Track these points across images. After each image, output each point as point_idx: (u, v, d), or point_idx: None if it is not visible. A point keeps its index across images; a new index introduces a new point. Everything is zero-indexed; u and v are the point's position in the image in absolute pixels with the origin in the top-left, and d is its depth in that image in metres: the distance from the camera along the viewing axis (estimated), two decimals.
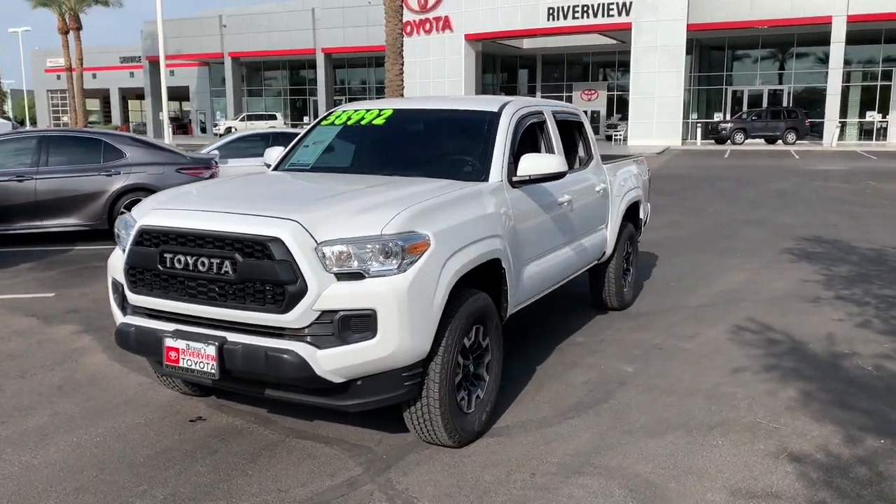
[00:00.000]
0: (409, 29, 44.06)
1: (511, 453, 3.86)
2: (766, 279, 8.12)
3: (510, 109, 4.82)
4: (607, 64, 50.76)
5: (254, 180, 4.70)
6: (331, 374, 3.36)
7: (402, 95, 19.23)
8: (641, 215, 7.11)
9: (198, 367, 3.47)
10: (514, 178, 4.47)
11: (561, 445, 3.96)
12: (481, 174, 4.40)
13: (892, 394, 4.70)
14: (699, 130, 39.94)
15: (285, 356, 3.31)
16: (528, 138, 5.35)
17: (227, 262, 3.38)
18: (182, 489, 3.46)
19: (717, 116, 43.83)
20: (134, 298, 3.73)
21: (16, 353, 5.45)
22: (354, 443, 3.98)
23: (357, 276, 3.35)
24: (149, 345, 3.63)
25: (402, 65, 19.40)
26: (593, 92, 51.98)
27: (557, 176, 4.54)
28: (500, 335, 4.21)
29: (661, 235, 11.20)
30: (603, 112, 51.56)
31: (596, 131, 50.37)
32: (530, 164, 4.47)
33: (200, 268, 3.45)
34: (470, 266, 3.78)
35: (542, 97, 53.14)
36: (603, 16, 39.18)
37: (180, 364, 3.51)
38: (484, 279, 4.18)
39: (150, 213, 3.71)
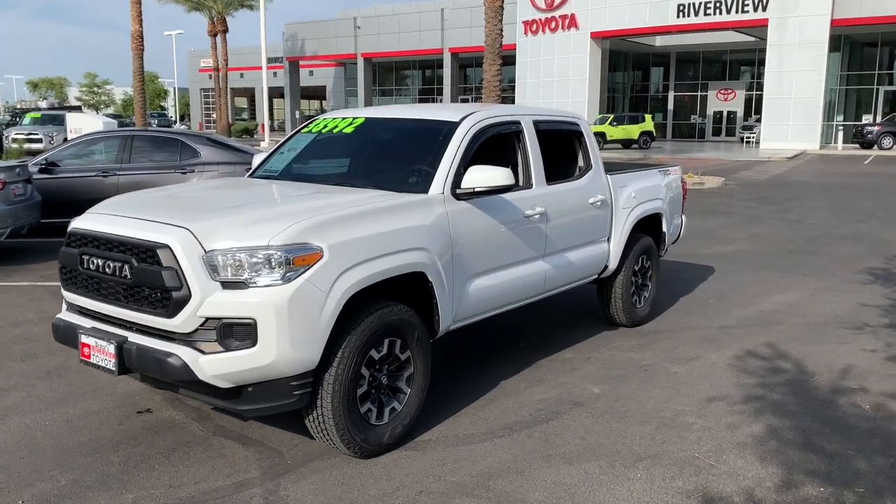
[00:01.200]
0: (534, 27, 43.83)
1: (413, 468, 3.84)
2: (819, 301, 7.52)
3: (470, 120, 4.76)
4: (746, 62, 48.25)
5: (201, 187, 4.93)
6: (215, 379, 3.48)
7: (499, 96, 19.22)
8: (665, 228, 6.77)
9: (102, 363, 3.70)
10: (459, 191, 4.42)
11: (469, 464, 3.88)
12: (424, 186, 4.38)
13: (871, 438, 4.25)
14: (840, 134, 37.14)
15: (169, 359, 3.46)
16: (503, 149, 5.26)
17: (126, 266, 3.59)
18: (86, 477, 3.70)
19: (867, 119, 40.58)
20: (66, 295, 4.03)
21: (31, 338, 5.97)
22: (271, 446, 4.09)
23: (241, 285, 3.44)
24: (71, 339, 3.91)
25: (500, 65, 19.34)
26: (730, 92, 49.58)
27: (503, 189, 4.45)
28: (427, 348, 4.18)
29: (734, 248, 10.60)
30: (740, 113, 49.08)
31: (731, 133, 48.38)
32: (474, 177, 4.40)
33: (107, 270, 3.67)
34: (375, 279, 3.78)
35: (674, 96, 51.32)
36: (737, 12, 37.27)
37: (91, 359, 3.76)
38: (412, 292, 4.17)
39: (83, 217, 3.98)
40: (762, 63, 38.95)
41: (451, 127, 4.70)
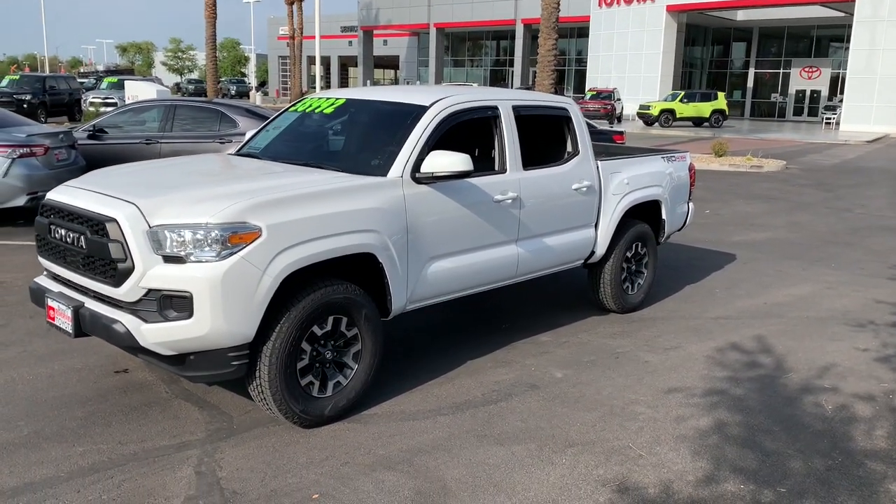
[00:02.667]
0: (608, 0, 42.82)
1: (349, 440, 4.02)
2: (832, 295, 7.32)
3: (440, 105, 4.84)
4: (836, 38, 45.96)
5: (176, 163, 5.16)
6: (156, 347, 3.73)
7: (553, 71, 18.98)
8: (664, 216, 6.70)
9: (62, 326, 4.00)
10: (419, 175, 4.52)
11: (403, 440, 4.04)
12: (384, 169, 4.50)
13: (818, 439, 4.20)
14: None
15: (115, 325, 3.73)
16: (479, 134, 5.31)
17: (82, 237, 3.86)
18: (47, 428, 4.03)
19: None
20: (41, 261, 4.35)
21: None
22: (224, 410, 4.34)
23: (180, 260, 3.66)
24: (41, 302, 4.23)
25: (556, 39, 19.07)
26: (815, 70, 47.43)
27: (461, 175, 4.52)
28: (377, 327, 4.33)
29: (766, 236, 10.34)
30: (824, 92, 46.94)
31: (814, 114, 46.28)
32: (434, 162, 4.50)
33: (68, 240, 3.96)
34: (317, 258, 3.94)
35: (755, 73, 49.41)
36: None
37: (55, 321, 4.07)
38: (365, 272, 4.33)
39: (57, 189, 4.28)
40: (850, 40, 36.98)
41: (420, 111, 4.79)
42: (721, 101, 36.82)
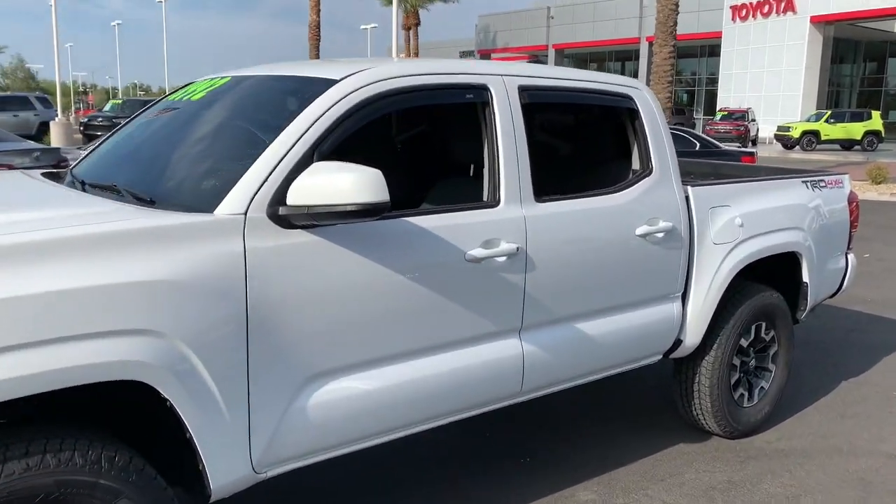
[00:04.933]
0: (743, 13, 39.14)
1: None
2: None
3: (361, 79, 2.55)
4: None
5: None
6: None
7: (669, 83, 16.20)
8: (806, 276, 4.07)
9: None
10: (284, 210, 2.25)
11: None
12: (212, 200, 2.26)
13: None
14: None
15: None
16: (450, 137, 2.99)
17: None
18: None
19: None
20: None
21: None
22: None
23: None
24: None
25: (674, 47, 16.33)
26: None
27: (366, 212, 2.20)
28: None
29: None
30: None
31: None
32: (305, 186, 2.22)
33: None
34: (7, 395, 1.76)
35: None
36: None
37: None
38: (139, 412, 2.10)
39: None
40: None
41: (320, 88, 2.53)
42: (876, 121, 32.19)
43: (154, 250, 2.04)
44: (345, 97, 2.48)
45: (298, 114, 2.42)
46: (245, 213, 2.22)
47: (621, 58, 53.42)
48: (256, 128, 2.57)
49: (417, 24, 51.64)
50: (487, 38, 56.96)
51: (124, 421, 2.26)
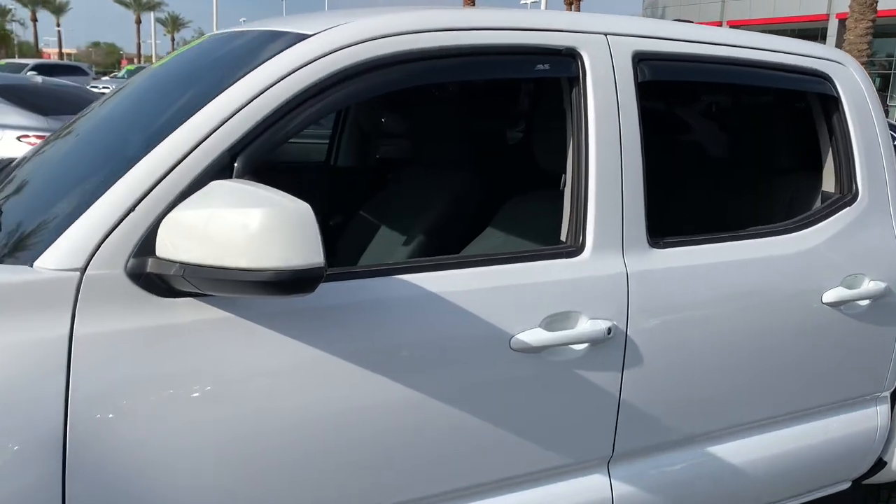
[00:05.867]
0: None
1: None
2: None
3: (334, 37, 1.48)
4: None
5: None
6: None
7: (864, 65, 13.82)
8: None
9: None
10: (154, 268, 1.24)
11: None
12: (43, 241, 1.29)
13: None
14: None
15: None
16: (539, 134, 1.89)
17: None
18: None
19: None
20: None
21: None
22: None
23: None
24: None
25: (872, 21, 13.92)
26: None
27: (267, 285, 1.15)
28: None
29: None
30: None
31: None
32: (182, 227, 1.20)
33: None
34: None
35: None
36: None
37: None
38: None
39: None
40: None
41: (266, 55, 1.49)
42: None
43: None
44: (305, 65, 1.43)
45: (218, 94, 1.40)
46: (82, 269, 1.23)
47: (805, 37, 48.71)
48: (166, 118, 1.56)
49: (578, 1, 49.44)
50: (656, 14, 53.82)
51: None
